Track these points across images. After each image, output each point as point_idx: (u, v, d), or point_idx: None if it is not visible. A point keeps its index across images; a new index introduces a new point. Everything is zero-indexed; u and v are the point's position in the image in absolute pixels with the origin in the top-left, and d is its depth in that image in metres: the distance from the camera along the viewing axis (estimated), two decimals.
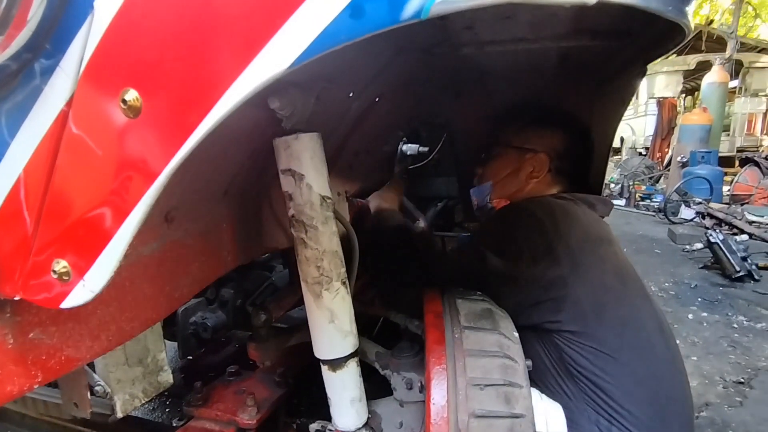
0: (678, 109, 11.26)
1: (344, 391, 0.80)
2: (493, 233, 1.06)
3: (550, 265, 0.93)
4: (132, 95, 0.42)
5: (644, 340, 0.95)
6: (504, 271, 0.95)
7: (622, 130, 11.83)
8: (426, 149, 1.67)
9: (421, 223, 1.47)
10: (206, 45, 0.42)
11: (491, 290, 0.94)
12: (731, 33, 10.14)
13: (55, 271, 0.48)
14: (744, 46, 11.16)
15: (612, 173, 9.45)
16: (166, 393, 1.12)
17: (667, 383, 0.95)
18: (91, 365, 0.95)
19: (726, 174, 7.62)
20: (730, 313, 3.10)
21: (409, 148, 1.66)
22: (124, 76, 0.43)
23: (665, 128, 10.52)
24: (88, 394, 0.94)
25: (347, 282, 0.78)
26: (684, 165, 7.62)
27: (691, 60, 10.67)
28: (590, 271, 0.96)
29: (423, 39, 0.86)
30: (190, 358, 1.46)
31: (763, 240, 4.77)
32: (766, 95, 11.00)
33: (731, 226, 5.20)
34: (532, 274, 0.94)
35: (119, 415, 0.97)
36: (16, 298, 0.50)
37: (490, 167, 1.27)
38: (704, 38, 11.41)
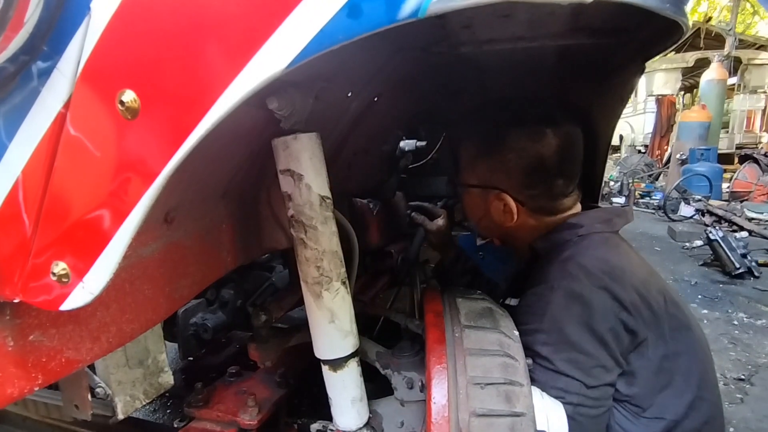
0: (677, 106, 11.26)
1: (345, 391, 0.80)
2: (541, 318, 0.85)
3: (627, 337, 0.83)
4: (129, 96, 0.42)
5: (690, 392, 0.88)
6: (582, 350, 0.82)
7: (621, 127, 11.84)
8: (423, 144, 1.67)
9: (440, 222, 1.44)
10: (203, 45, 0.42)
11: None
12: (729, 30, 10.16)
13: (54, 274, 0.47)
14: (742, 43, 11.17)
15: (611, 171, 9.45)
16: (166, 394, 1.13)
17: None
18: (92, 367, 0.95)
19: (725, 171, 7.63)
20: (730, 310, 3.10)
21: (407, 144, 1.66)
22: (122, 78, 0.43)
23: (664, 126, 10.52)
24: (89, 395, 0.94)
25: (347, 282, 0.78)
26: (683, 162, 7.63)
27: (690, 57, 10.69)
28: (661, 338, 0.86)
29: (421, 38, 0.86)
30: (191, 359, 1.47)
31: (763, 237, 4.78)
32: (764, 92, 11.01)
33: (731, 223, 5.20)
34: (605, 358, 0.82)
35: (120, 416, 0.97)
36: (16, 301, 0.50)
37: (464, 206, 1.12)
38: (703, 35, 11.42)
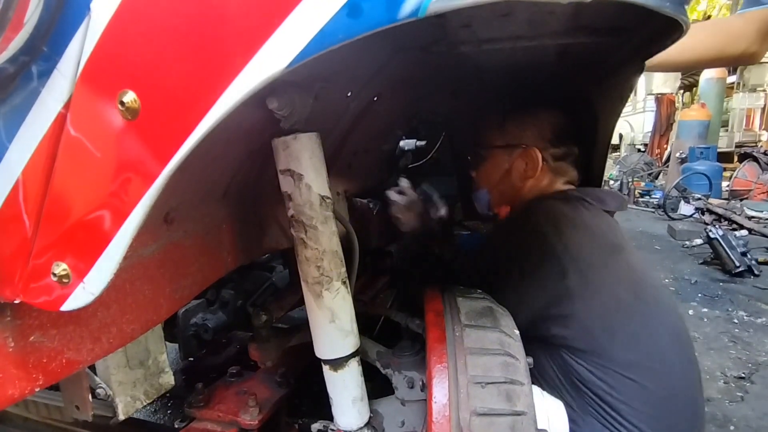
0: (676, 105, 11.25)
1: (346, 390, 0.80)
2: (498, 248, 1.02)
3: (556, 280, 0.90)
4: (130, 97, 0.42)
5: (657, 354, 0.91)
6: (512, 284, 0.93)
7: (621, 126, 11.82)
8: (423, 143, 1.67)
9: (442, 212, 1.44)
10: (203, 45, 0.41)
11: (504, 299, 0.90)
12: None
13: (55, 274, 0.47)
14: None
15: (611, 170, 9.44)
16: (167, 395, 1.12)
17: (680, 399, 0.91)
18: (92, 368, 0.95)
19: (725, 169, 7.62)
20: (730, 309, 3.10)
21: (407, 143, 1.66)
22: (122, 78, 0.43)
23: (664, 124, 10.51)
24: (90, 396, 0.94)
25: (347, 281, 0.78)
26: (683, 161, 7.62)
27: None
28: (600, 285, 0.92)
29: (421, 37, 0.86)
30: (191, 359, 1.46)
31: (763, 235, 4.78)
32: (764, 90, 11.00)
33: (731, 221, 5.20)
34: (540, 288, 0.92)
35: (121, 417, 0.97)
36: (17, 302, 0.50)
37: (480, 173, 1.20)
38: None
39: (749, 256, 3.77)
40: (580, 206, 1.00)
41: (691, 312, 3.06)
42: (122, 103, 0.42)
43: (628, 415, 0.86)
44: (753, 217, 5.49)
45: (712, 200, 6.05)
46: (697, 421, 0.94)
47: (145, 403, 1.02)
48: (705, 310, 3.10)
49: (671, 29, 0.61)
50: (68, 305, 0.48)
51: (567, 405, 0.88)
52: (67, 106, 0.45)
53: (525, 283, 0.93)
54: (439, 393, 0.68)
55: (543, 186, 1.10)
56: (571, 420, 0.80)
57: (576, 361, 0.90)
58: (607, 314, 0.90)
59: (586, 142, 1.12)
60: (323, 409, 0.86)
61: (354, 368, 0.80)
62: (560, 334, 0.91)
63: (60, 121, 0.45)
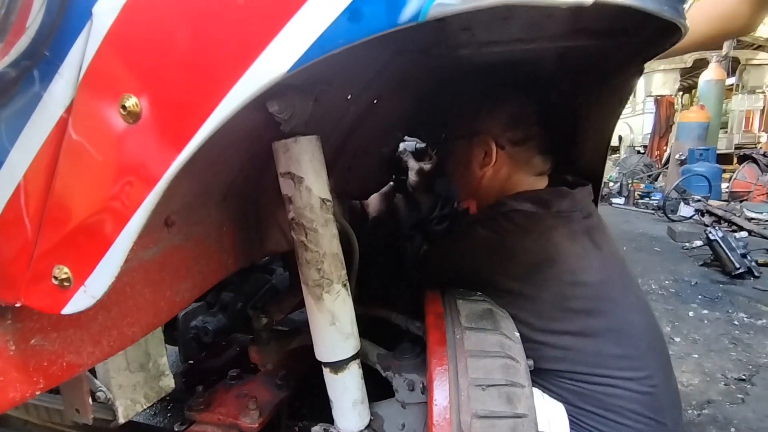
0: (675, 107, 11.28)
1: (346, 393, 0.80)
2: (440, 259, 1.07)
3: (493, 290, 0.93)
4: (131, 101, 0.42)
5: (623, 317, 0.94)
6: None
7: (621, 128, 11.85)
8: (423, 145, 1.67)
9: (426, 165, 1.42)
10: (205, 50, 0.42)
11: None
12: None
13: (56, 277, 0.48)
14: (740, 43, 11.17)
15: (611, 172, 9.46)
16: (167, 398, 1.12)
17: (647, 344, 0.95)
18: (93, 371, 0.95)
19: (724, 171, 7.64)
20: (730, 310, 3.10)
21: (407, 146, 1.66)
22: (124, 82, 0.43)
23: (663, 126, 10.54)
24: (90, 400, 0.94)
25: (348, 284, 0.78)
26: (682, 163, 7.63)
27: (688, 58, 10.68)
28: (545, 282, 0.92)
29: (420, 40, 0.86)
30: (192, 362, 1.46)
31: (763, 237, 4.78)
32: (763, 92, 11.03)
33: (730, 223, 5.21)
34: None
35: (121, 420, 0.97)
36: (18, 305, 0.50)
37: (448, 166, 1.20)
38: None
39: (749, 258, 3.77)
40: (534, 221, 0.98)
41: (691, 314, 3.06)
42: (124, 108, 0.42)
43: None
44: (753, 218, 5.49)
45: (711, 202, 6.05)
46: (669, 369, 0.98)
47: (145, 407, 1.02)
48: (705, 311, 3.10)
49: (670, 32, 0.61)
50: (69, 309, 0.48)
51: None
52: (68, 110, 0.45)
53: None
54: (440, 395, 0.68)
55: (502, 178, 1.08)
56: None
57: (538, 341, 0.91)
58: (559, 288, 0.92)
59: (555, 125, 1.09)
60: (324, 411, 0.86)
61: (354, 371, 0.80)
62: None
63: (62, 125, 0.45)
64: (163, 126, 0.43)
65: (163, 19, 0.42)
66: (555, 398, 0.85)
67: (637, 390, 0.90)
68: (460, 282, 0.95)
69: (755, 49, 11.48)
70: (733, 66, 10.63)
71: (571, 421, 0.79)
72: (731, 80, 10.85)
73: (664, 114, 10.51)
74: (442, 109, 1.25)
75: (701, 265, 4.07)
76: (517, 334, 0.79)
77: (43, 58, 0.45)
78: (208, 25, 0.41)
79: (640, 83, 10.60)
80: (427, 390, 0.74)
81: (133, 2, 0.42)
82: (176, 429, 1.03)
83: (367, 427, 0.82)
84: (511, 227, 0.97)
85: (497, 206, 1.04)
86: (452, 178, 1.20)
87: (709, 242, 3.94)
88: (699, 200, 5.92)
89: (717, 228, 4.20)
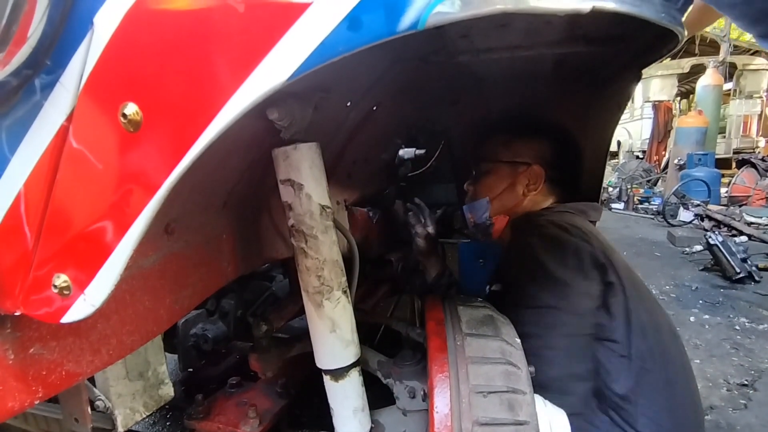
0: (674, 112, 11.31)
1: (347, 400, 0.80)
2: (526, 267, 1.01)
3: (599, 274, 0.95)
4: (132, 109, 0.42)
5: (662, 345, 0.95)
6: (555, 295, 0.94)
7: (619, 134, 11.87)
8: (422, 152, 1.67)
9: (429, 229, 1.43)
10: (205, 58, 0.42)
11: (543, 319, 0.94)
12: (724, 36, 10.24)
13: (55, 286, 0.47)
14: (737, 49, 11.25)
15: (610, 177, 9.47)
16: (167, 406, 1.12)
17: (681, 389, 0.95)
18: (92, 380, 0.95)
19: (723, 176, 7.64)
20: (731, 315, 3.09)
21: (406, 152, 1.66)
22: (124, 91, 0.43)
23: (661, 131, 10.56)
24: (89, 408, 0.93)
25: (348, 291, 0.78)
26: (681, 167, 7.64)
27: (686, 63, 10.74)
28: (621, 279, 0.96)
29: (419, 48, 0.87)
30: (191, 370, 1.46)
31: (762, 241, 4.78)
32: (760, 97, 11.07)
33: (730, 227, 5.20)
34: (586, 286, 0.94)
35: (120, 429, 0.96)
36: (17, 314, 0.50)
37: (483, 184, 1.26)
38: (698, 42, 11.49)
39: (749, 262, 3.76)
40: (575, 216, 1.09)
41: (692, 319, 3.05)
42: (124, 116, 0.43)
43: (637, 403, 0.89)
44: (752, 223, 5.49)
45: (711, 206, 6.05)
46: (698, 413, 0.98)
47: (144, 415, 1.01)
48: (706, 316, 3.09)
49: (667, 38, 0.62)
50: (69, 317, 0.48)
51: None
52: (69, 118, 0.45)
53: (572, 283, 0.95)
54: (441, 403, 0.68)
55: (538, 200, 1.20)
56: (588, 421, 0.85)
57: (608, 349, 0.92)
58: (626, 305, 0.94)
59: (575, 172, 1.26)
60: (324, 419, 0.85)
61: (355, 378, 0.80)
62: (605, 324, 0.93)
63: (62, 133, 0.46)
64: (163, 134, 0.43)
65: (163, 28, 0.42)
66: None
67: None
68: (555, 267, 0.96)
69: (752, 54, 11.55)
70: (730, 71, 10.68)
71: None
72: (728, 85, 10.90)
73: (663, 119, 10.53)
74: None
75: (701, 270, 4.06)
76: (518, 340, 0.79)
77: (45, 67, 0.46)
78: (209, 34, 0.42)
79: (638, 89, 10.64)
80: (428, 397, 0.74)
81: (134, 12, 0.42)
82: None
83: None
84: (575, 217, 1.08)
85: (538, 216, 1.13)
86: (484, 195, 1.26)
87: (709, 247, 3.94)
88: (698, 205, 5.93)
89: (717, 232, 4.19)
